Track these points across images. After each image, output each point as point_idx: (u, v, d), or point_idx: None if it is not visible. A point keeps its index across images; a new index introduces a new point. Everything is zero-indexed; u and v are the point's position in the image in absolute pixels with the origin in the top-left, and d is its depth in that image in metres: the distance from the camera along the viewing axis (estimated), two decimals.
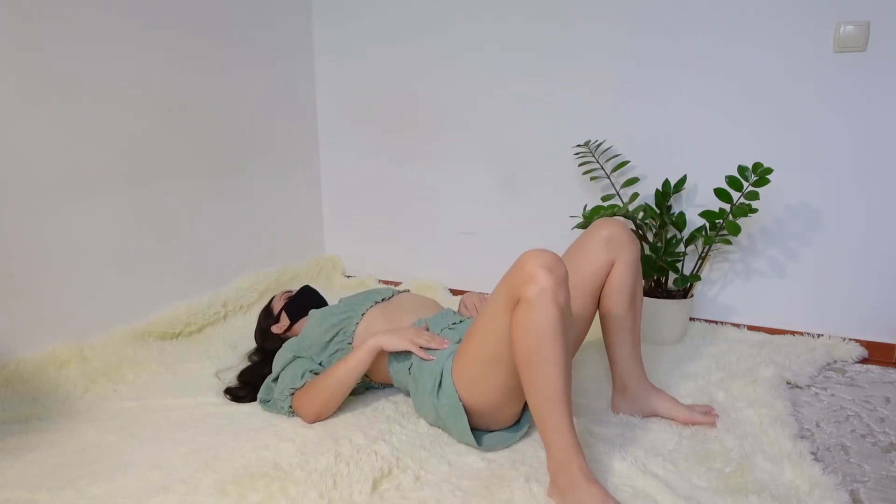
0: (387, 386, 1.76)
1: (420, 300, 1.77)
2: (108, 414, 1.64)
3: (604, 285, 1.58)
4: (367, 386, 1.74)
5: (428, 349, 1.51)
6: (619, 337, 1.58)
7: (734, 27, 2.03)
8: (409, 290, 1.89)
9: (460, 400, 1.40)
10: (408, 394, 1.63)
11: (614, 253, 1.54)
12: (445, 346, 1.50)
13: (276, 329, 1.83)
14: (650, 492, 1.27)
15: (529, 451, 1.43)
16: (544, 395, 1.23)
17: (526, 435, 1.51)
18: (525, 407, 1.50)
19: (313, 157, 2.80)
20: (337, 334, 1.66)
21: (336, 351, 1.65)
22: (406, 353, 1.55)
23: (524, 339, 1.23)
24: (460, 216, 2.60)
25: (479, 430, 1.46)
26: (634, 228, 2.09)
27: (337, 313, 1.70)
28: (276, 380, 1.64)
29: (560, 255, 1.52)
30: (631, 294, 1.56)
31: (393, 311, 1.69)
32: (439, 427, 1.52)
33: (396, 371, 1.59)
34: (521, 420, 1.50)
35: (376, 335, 1.55)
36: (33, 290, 1.78)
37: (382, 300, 1.75)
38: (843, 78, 1.93)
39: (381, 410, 1.63)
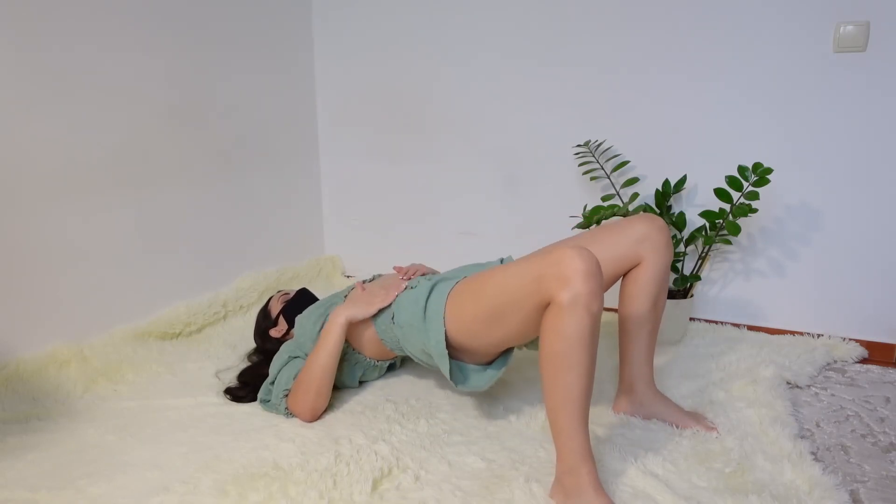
0: (391, 365, 1.81)
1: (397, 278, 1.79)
2: (108, 414, 1.64)
3: (626, 281, 1.57)
4: (380, 368, 1.77)
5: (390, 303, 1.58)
6: (636, 339, 1.56)
7: (734, 27, 2.03)
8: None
9: (447, 347, 1.44)
10: (402, 351, 1.63)
11: (645, 252, 1.53)
12: (402, 287, 1.57)
13: (274, 333, 1.85)
14: (650, 492, 1.27)
15: (529, 451, 1.43)
16: (564, 399, 1.23)
17: (526, 435, 1.51)
18: (507, 350, 1.55)
19: (313, 157, 2.80)
20: (325, 321, 1.68)
21: None
22: (385, 312, 1.59)
23: (553, 343, 1.22)
24: (460, 216, 2.60)
25: (456, 360, 1.50)
26: None
27: (322, 304, 1.74)
28: (273, 382, 1.64)
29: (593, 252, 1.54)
30: (655, 298, 1.55)
31: (374, 288, 1.71)
32: (428, 364, 1.55)
33: (384, 332, 1.60)
34: (498, 360, 1.55)
35: (339, 312, 1.58)
36: (33, 290, 1.78)
37: (364, 282, 1.79)
38: (844, 78, 1.93)
39: (381, 410, 1.63)
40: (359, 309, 1.59)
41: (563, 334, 1.21)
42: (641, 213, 1.57)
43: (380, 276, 1.86)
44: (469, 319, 1.41)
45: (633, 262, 1.55)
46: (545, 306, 1.26)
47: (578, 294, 1.20)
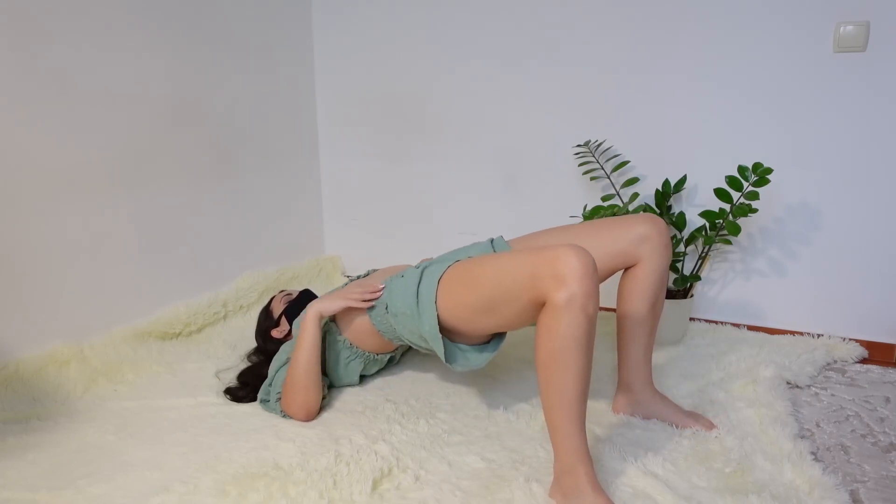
0: (391, 359, 1.82)
1: (392, 270, 1.79)
2: (108, 414, 1.64)
3: (625, 281, 1.57)
4: (380, 362, 1.77)
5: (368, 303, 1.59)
6: (634, 339, 1.56)
7: (734, 27, 2.03)
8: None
9: (441, 331, 1.46)
10: (400, 340, 1.64)
11: (644, 253, 1.52)
12: (379, 294, 1.58)
13: (276, 334, 1.85)
14: (650, 492, 1.27)
15: (529, 451, 1.43)
16: (560, 399, 1.23)
17: (526, 435, 1.51)
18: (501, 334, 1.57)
19: (313, 157, 2.80)
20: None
21: (324, 335, 1.67)
22: (379, 303, 1.59)
23: (548, 343, 1.22)
24: (460, 216, 2.60)
25: (451, 341, 1.51)
26: None
27: None
28: (271, 383, 1.64)
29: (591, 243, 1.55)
30: (654, 299, 1.54)
31: (352, 286, 1.71)
32: (426, 348, 1.56)
33: (380, 322, 1.60)
34: (493, 341, 1.56)
35: (311, 305, 1.60)
36: (33, 290, 1.78)
37: (357, 277, 1.79)
38: (843, 78, 1.93)
39: (381, 410, 1.63)
40: (327, 303, 1.60)
41: (559, 335, 1.21)
42: (642, 212, 1.57)
43: (374, 270, 1.86)
44: (461, 307, 1.42)
45: (630, 261, 1.54)
46: (539, 303, 1.26)
47: (574, 295, 1.19)
